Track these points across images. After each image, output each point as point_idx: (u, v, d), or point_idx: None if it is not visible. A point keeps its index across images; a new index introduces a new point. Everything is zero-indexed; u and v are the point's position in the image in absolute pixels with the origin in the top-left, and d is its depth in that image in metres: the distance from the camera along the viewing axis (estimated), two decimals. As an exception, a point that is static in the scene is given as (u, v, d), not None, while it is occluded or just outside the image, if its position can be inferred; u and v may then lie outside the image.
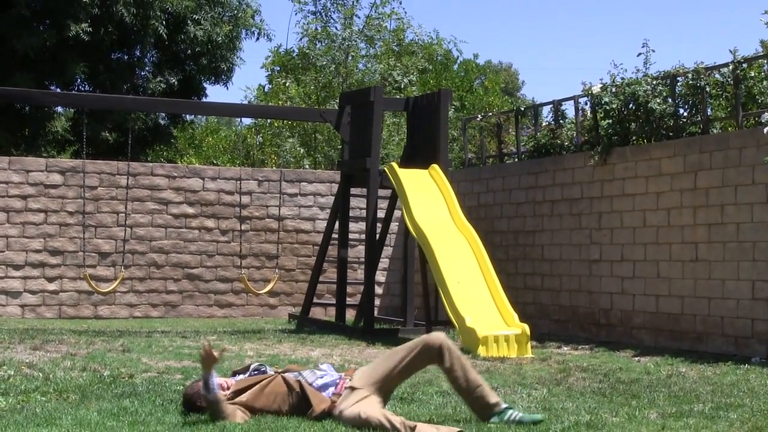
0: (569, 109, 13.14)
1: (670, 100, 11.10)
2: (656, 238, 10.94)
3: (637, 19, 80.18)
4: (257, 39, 22.65)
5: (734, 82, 10.53)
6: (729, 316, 10.01)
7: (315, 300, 13.27)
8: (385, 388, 5.39)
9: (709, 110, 11.18)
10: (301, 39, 22.41)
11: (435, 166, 11.78)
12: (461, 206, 11.56)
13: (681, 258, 10.61)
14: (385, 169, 11.94)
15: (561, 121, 13.24)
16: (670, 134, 11.21)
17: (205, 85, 22.09)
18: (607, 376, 7.80)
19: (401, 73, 21.25)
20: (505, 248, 13.18)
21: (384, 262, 14.62)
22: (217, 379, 5.34)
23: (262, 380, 5.48)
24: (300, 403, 5.39)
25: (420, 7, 61.15)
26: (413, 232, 11.18)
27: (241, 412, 5.27)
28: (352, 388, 5.33)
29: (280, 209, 14.25)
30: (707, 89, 10.80)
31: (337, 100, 14.67)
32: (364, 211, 12.89)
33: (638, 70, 11.62)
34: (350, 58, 21.42)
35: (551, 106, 13.35)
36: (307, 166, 20.53)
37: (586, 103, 12.51)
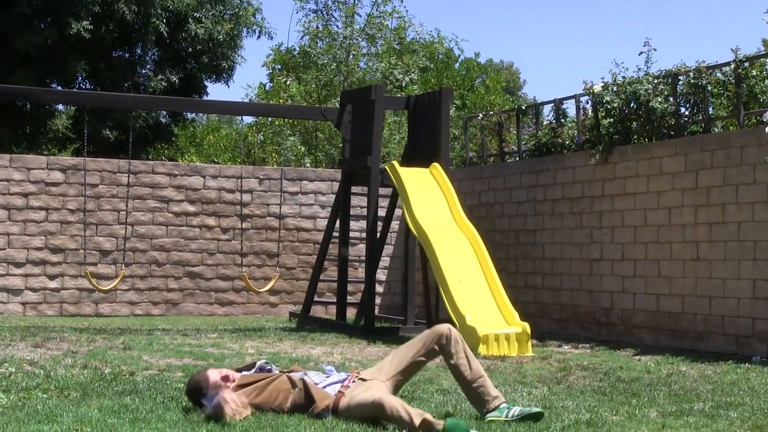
0: (570, 108, 13.13)
1: (671, 99, 11.09)
2: (657, 237, 10.94)
3: (639, 18, 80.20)
4: (258, 37, 22.68)
5: (736, 81, 10.52)
6: (730, 316, 10.01)
7: (316, 298, 13.26)
8: (396, 382, 5.42)
9: (710, 109, 11.16)
10: (302, 37, 22.43)
11: (436, 164, 11.78)
12: (462, 205, 11.55)
13: (682, 257, 10.61)
14: (386, 167, 11.93)
15: (562, 120, 13.22)
16: (672, 133, 11.20)
17: (206, 83, 22.13)
18: (608, 375, 7.80)
19: (402, 71, 21.24)
20: (506, 247, 13.18)
21: (385, 261, 14.62)
22: (222, 372, 5.40)
23: (267, 377, 5.50)
24: (302, 401, 5.38)
25: (421, 6, 61.11)
26: (414, 231, 11.18)
27: (243, 406, 5.23)
28: (363, 380, 5.37)
29: (281, 207, 14.26)
30: (709, 88, 10.79)
31: (338, 99, 14.67)
32: (365, 209, 12.89)
33: (640, 69, 11.62)
34: (351, 56, 21.42)
35: (552, 104, 13.33)
36: (308, 165, 20.51)
37: (587, 102, 12.50)
